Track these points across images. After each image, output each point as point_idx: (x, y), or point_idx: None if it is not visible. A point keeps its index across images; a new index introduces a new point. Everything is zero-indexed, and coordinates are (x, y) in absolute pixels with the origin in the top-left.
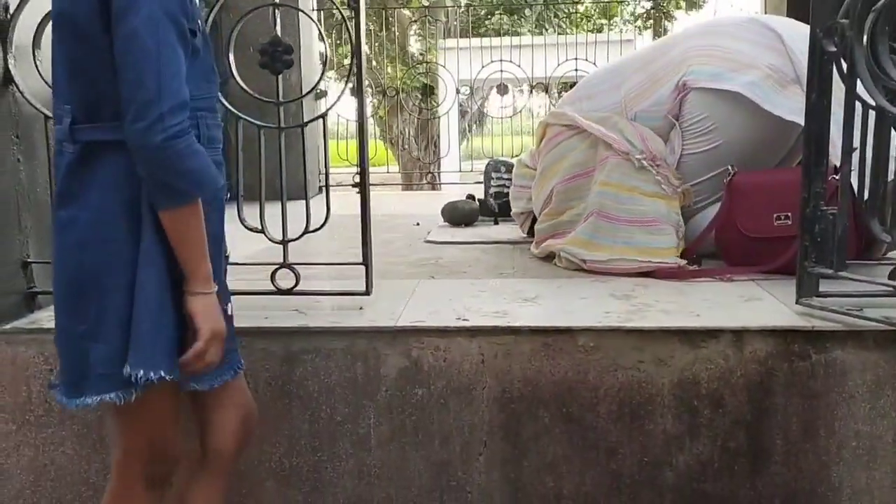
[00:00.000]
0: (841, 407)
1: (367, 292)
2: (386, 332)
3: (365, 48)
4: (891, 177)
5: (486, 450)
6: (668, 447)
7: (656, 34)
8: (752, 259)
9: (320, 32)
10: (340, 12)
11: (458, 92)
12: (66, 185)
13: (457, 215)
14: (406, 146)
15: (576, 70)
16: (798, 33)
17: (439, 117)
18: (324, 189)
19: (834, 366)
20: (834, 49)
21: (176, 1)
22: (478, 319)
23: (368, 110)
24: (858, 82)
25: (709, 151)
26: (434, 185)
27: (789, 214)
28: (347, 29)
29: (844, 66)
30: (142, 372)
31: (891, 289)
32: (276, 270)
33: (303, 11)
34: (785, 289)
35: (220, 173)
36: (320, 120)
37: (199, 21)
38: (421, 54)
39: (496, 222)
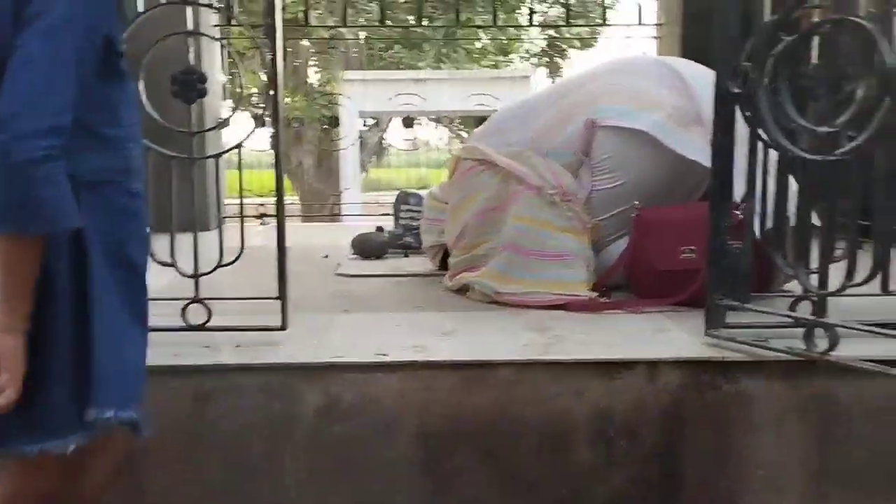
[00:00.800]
0: (749, 436)
1: (283, 327)
2: (304, 368)
3: (264, 77)
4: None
5: (407, 486)
6: (587, 479)
7: (551, 71)
8: (660, 291)
9: (232, 61)
10: (256, 41)
11: (364, 125)
12: None
13: (367, 248)
14: (306, 177)
15: (479, 105)
16: (699, 74)
17: (341, 150)
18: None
19: (742, 395)
20: (738, 91)
21: (102, 16)
22: (397, 354)
23: (268, 141)
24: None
25: (616, 188)
26: (334, 217)
27: (694, 248)
28: (262, 58)
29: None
30: (113, 413)
31: (792, 320)
32: (187, 305)
33: (221, 39)
34: (693, 320)
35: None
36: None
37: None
38: (321, 85)
39: (406, 255)
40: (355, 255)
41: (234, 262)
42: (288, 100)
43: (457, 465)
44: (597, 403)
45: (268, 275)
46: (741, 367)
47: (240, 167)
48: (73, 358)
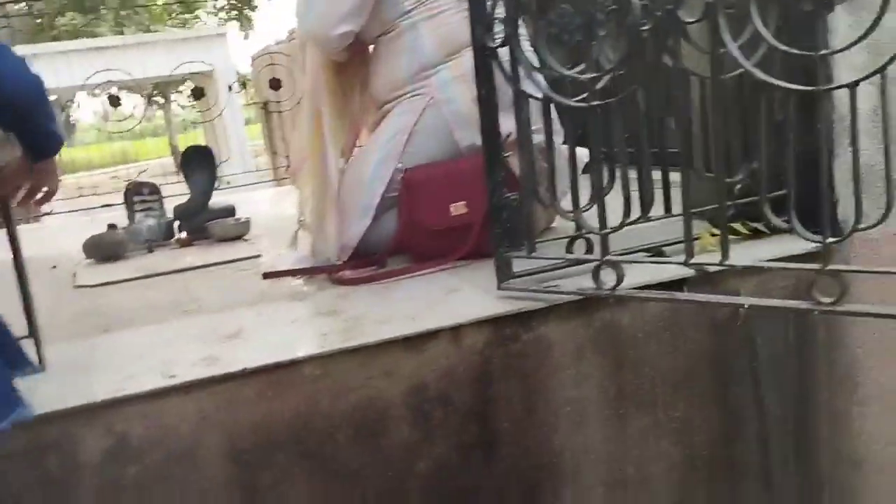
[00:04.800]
0: (551, 379)
1: (42, 368)
2: (78, 412)
3: None
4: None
5: None
6: (408, 456)
7: (243, 25)
8: (437, 252)
9: None
10: None
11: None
12: None
13: (103, 250)
14: None
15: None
16: None
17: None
18: None
19: (541, 342)
20: (493, 45)
21: None
22: (186, 372)
23: None
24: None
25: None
26: (32, 218)
27: (465, 202)
28: None
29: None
30: None
31: (571, 261)
32: None
33: None
34: (476, 274)
35: None
36: None
37: None
38: None
39: (151, 250)
40: (90, 260)
41: None
42: None
43: (275, 475)
44: (408, 379)
45: None
46: (536, 315)
47: None
48: None
